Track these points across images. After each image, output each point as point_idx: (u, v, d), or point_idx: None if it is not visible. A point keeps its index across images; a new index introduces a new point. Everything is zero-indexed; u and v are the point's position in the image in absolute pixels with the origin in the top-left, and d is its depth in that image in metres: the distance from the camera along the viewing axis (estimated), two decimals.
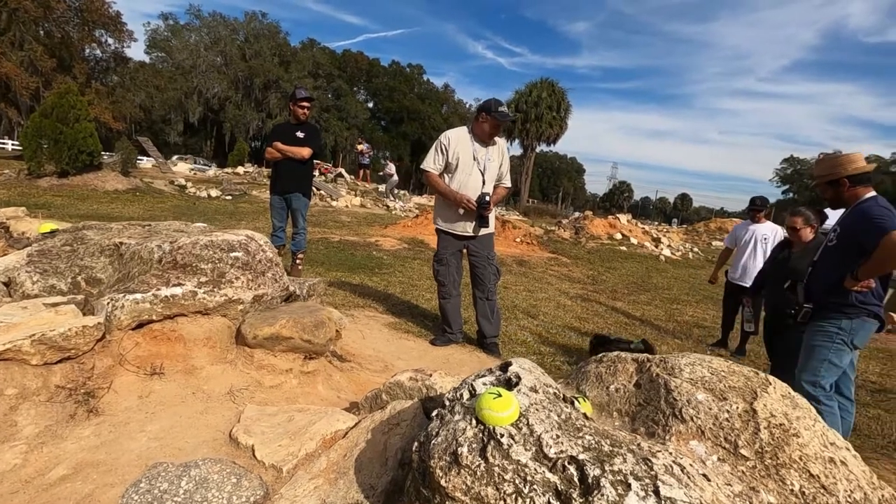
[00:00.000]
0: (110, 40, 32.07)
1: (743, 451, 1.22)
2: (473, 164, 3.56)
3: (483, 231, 3.63)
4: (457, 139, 3.57)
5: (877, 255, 2.23)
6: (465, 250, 3.72)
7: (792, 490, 1.15)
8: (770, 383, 1.41)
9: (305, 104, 4.84)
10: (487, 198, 3.49)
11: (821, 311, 2.46)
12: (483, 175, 3.58)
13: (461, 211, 3.55)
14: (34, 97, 25.47)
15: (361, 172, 20.54)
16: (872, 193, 2.41)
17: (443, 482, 1.00)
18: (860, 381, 4.12)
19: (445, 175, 3.60)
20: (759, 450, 1.22)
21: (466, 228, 3.59)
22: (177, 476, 1.21)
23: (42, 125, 11.06)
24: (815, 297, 2.51)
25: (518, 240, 10.79)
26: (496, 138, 3.65)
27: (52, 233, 2.58)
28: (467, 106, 60.20)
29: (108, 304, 1.89)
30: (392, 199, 17.46)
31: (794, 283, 2.72)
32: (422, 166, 3.68)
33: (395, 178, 18.53)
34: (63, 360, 1.71)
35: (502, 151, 3.73)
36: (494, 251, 3.79)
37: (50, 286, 2.22)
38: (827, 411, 2.37)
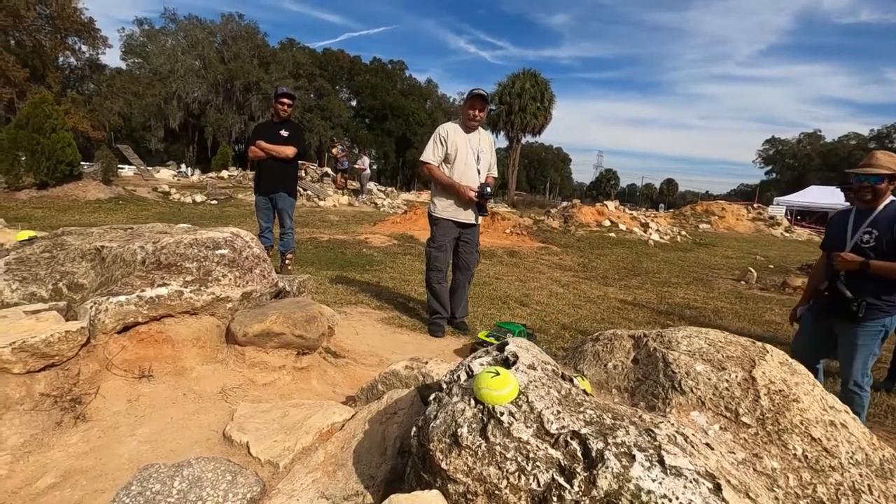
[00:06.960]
0: (84, 47, 31.43)
1: (744, 419, 1.21)
2: (469, 154, 3.69)
3: (479, 219, 3.82)
4: (453, 131, 3.69)
5: None
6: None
7: (795, 454, 1.14)
8: (767, 351, 1.41)
9: (286, 100, 4.77)
10: (489, 189, 3.70)
11: (867, 310, 2.50)
12: (478, 165, 3.72)
13: (458, 200, 3.66)
14: (8, 108, 24.89)
15: (339, 178, 18.88)
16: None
17: (443, 465, 0.98)
18: None
19: (445, 166, 3.68)
20: (761, 416, 1.21)
21: (469, 217, 3.74)
22: (169, 477, 1.17)
23: (18, 137, 10.79)
24: (864, 294, 2.50)
25: (508, 231, 10.78)
26: (481, 129, 3.81)
27: (31, 240, 2.50)
28: (451, 100, 60.00)
29: (92, 308, 1.83)
30: (366, 193, 17.27)
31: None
32: (422, 158, 3.72)
33: (368, 171, 18.22)
34: (47, 367, 1.65)
35: (490, 142, 3.91)
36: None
37: (30, 294, 2.15)
38: (867, 396, 2.55)
